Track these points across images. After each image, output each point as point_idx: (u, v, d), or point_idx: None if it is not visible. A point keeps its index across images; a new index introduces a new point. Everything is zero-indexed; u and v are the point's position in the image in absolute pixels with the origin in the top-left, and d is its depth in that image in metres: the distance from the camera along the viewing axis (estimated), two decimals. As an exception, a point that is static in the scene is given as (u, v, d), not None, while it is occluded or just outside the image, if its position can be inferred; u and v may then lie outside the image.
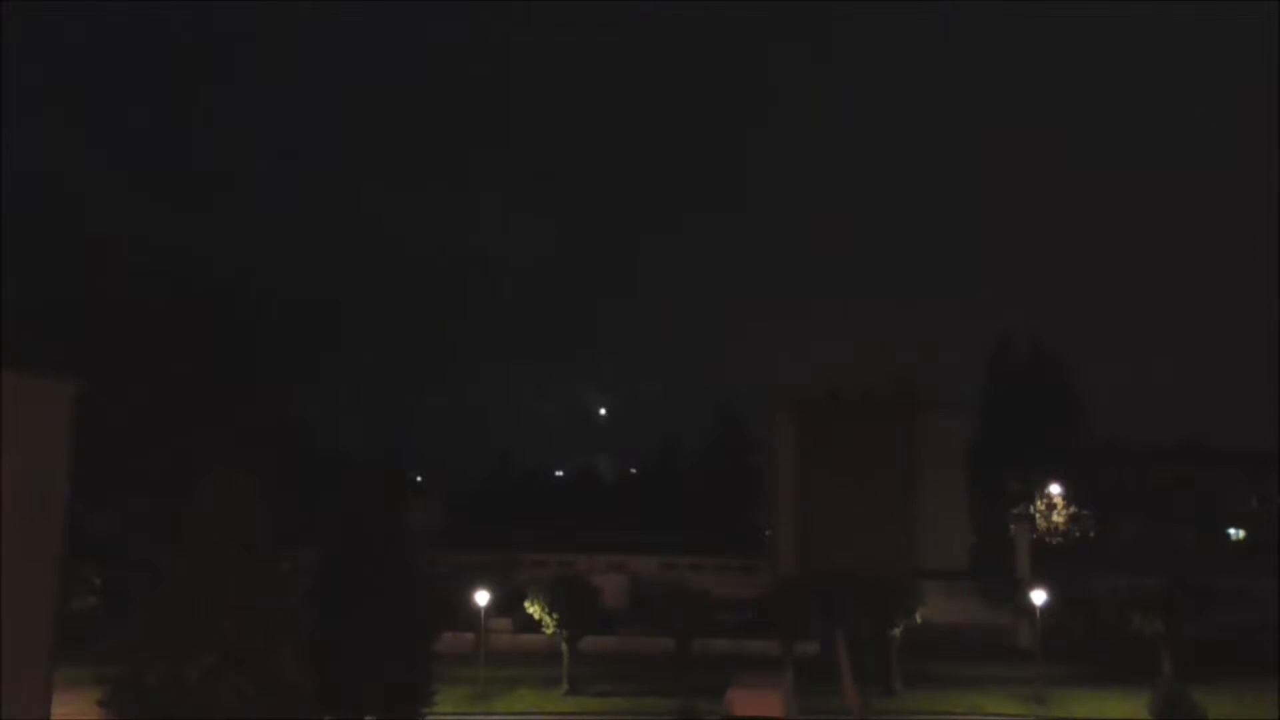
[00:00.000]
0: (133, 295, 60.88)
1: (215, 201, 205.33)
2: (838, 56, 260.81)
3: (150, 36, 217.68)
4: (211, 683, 23.45)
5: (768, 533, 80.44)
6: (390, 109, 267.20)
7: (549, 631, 48.27)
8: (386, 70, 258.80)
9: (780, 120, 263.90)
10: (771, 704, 36.57)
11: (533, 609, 48.15)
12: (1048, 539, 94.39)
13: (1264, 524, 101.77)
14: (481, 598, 48.01)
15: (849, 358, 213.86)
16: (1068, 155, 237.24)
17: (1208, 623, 47.33)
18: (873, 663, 46.63)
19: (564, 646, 47.74)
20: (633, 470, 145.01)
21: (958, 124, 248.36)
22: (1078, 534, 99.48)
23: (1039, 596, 49.12)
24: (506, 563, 68.56)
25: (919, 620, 48.32)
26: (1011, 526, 68.99)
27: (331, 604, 30.92)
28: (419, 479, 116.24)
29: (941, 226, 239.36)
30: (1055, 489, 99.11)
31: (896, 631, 47.34)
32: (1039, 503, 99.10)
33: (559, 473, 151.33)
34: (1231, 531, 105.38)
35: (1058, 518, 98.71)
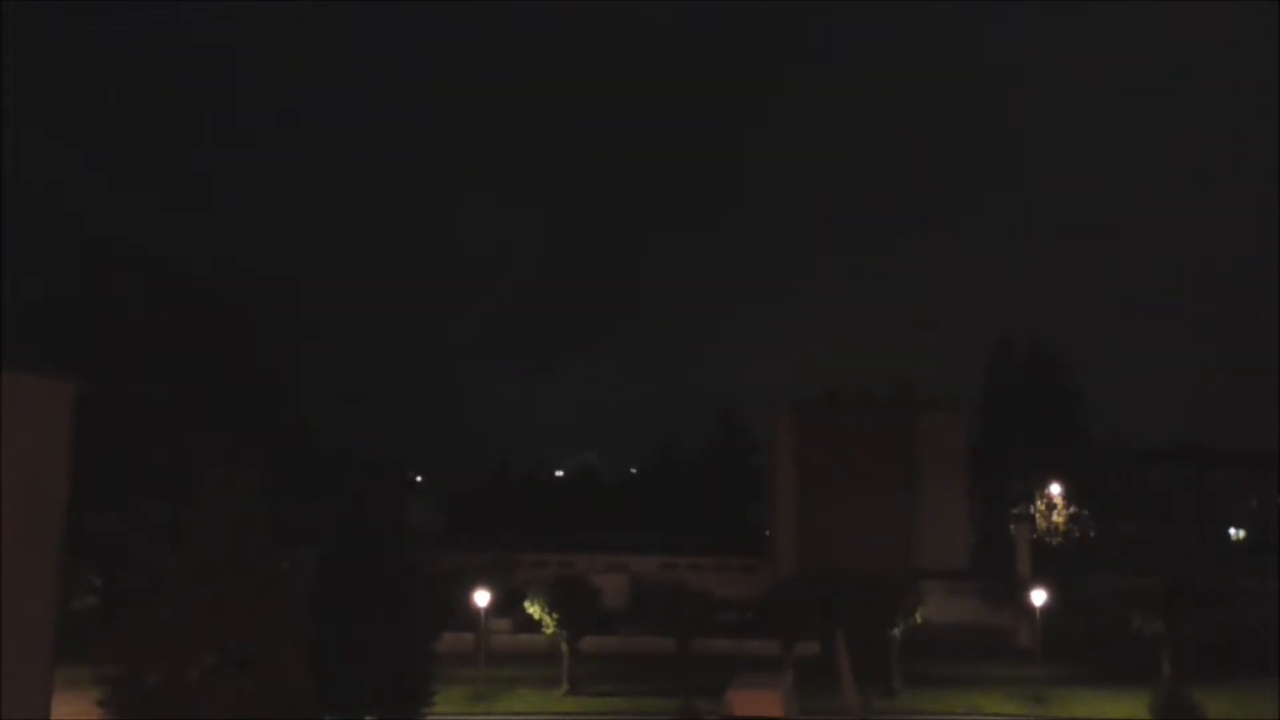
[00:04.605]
0: (133, 295, 60.76)
1: (216, 203, 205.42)
2: (837, 56, 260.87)
3: (148, 39, 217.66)
4: (211, 683, 23.44)
5: (767, 533, 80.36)
6: (391, 109, 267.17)
7: (549, 631, 48.22)
8: (386, 70, 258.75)
9: (780, 120, 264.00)
10: (771, 704, 36.50)
11: (533, 609, 48.09)
12: (1048, 539, 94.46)
13: (1264, 524, 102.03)
14: (481, 598, 47.99)
15: (849, 358, 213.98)
16: (1068, 155, 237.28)
17: (1208, 623, 47.28)
18: (873, 663, 46.55)
19: (564, 646, 47.68)
20: (633, 470, 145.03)
21: (958, 124, 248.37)
22: (1078, 534, 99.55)
23: (1039, 596, 49.15)
24: (507, 563, 68.49)
25: (919, 620, 48.27)
26: (1011, 526, 68.96)
27: (331, 604, 30.90)
28: (419, 479, 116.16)
29: (942, 226, 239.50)
30: (1055, 489, 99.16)
31: (896, 631, 47.29)
32: (1039, 503, 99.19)
33: (559, 473, 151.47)
34: (1231, 531, 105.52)
35: (1058, 518, 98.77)
